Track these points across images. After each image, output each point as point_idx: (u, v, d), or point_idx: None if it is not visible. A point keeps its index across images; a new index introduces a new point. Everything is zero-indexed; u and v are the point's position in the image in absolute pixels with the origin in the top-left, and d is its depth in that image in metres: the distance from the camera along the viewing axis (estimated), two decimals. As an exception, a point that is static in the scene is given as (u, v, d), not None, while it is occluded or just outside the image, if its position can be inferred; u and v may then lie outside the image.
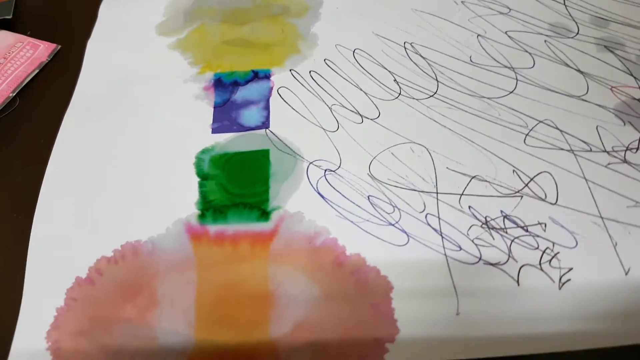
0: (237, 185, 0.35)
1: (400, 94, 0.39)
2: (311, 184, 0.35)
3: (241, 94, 0.40)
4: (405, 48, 0.42)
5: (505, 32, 0.42)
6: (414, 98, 0.39)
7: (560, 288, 0.30)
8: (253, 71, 0.41)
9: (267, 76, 0.41)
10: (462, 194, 0.34)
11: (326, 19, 0.45)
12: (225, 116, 0.39)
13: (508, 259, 0.31)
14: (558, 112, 0.37)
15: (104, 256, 0.33)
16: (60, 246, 0.34)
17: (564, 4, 0.43)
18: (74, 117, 0.40)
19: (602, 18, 0.42)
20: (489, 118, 0.37)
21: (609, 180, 0.34)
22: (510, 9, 0.43)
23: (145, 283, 0.32)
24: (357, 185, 0.35)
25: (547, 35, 0.41)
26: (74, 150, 0.38)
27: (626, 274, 0.30)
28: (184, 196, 0.35)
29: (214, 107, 0.40)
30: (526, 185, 0.34)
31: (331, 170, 0.36)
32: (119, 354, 0.30)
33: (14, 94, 0.42)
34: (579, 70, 0.39)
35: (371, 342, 0.29)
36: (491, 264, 0.31)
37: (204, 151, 0.37)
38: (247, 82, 0.41)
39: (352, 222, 0.33)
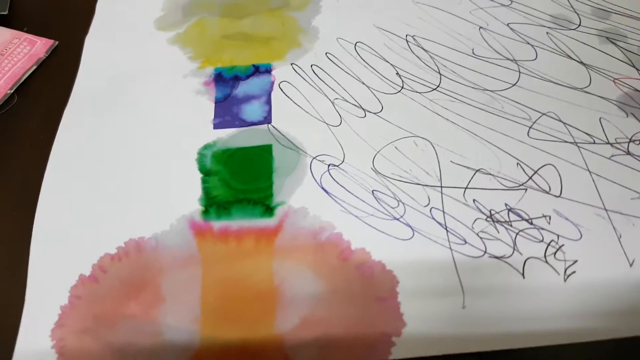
0: (241, 180, 0.35)
1: (402, 87, 0.39)
2: (315, 179, 0.35)
3: (242, 88, 0.40)
4: (407, 41, 0.41)
5: (507, 25, 0.42)
6: (416, 91, 0.39)
7: (565, 280, 0.30)
8: (254, 65, 0.41)
9: (268, 70, 0.41)
10: (466, 188, 0.34)
11: (327, 12, 0.44)
12: (226, 111, 0.39)
13: (513, 252, 0.31)
14: (561, 105, 0.37)
15: (107, 253, 0.33)
16: (63, 244, 0.33)
17: (565, -5, 0.43)
18: (73, 113, 0.40)
19: (603, 10, 0.42)
20: (492, 111, 0.37)
21: (612, 172, 0.34)
22: (512, 1, 0.43)
23: (149, 280, 0.31)
24: (361, 179, 0.35)
25: (549, 27, 0.41)
26: (74, 147, 0.38)
27: (631, 265, 0.30)
28: (187, 192, 0.35)
29: (215, 103, 0.39)
30: (530, 178, 0.34)
31: (335, 165, 0.35)
32: (124, 351, 0.30)
33: (12, 91, 0.41)
34: (581, 62, 0.39)
35: (378, 336, 0.29)
36: (496, 257, 0.31)
37: (206, 147, 0.37)
38: (248, 76, 0.41)
39: (356, 216, 0.33)
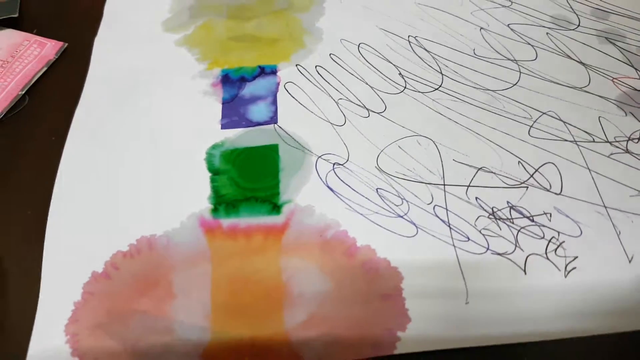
0: (248, 179, 0.36)
1: (405, 87, 0.40)
2: (320, 178, 0.36)
3: (249, 89, 0.41)
4: (409, 42, 0.42)
5: (508, 25, 0.43)
6: (419, 91, 0.39)
7: (565, 276, 0.31)
8: (260, 67, 0.42)
9: (273, 71, 0.42)
10: (469, 186, 0.35)
11: (330, 14, 0.45)
12: (233, 112, 0.40)
13: (515, 249, 0.32)
14: (561, 104, 0.38)
15: (119, 251, 0.33)
16: (76, 242, 0.34)
17: (565, -4, 0.44)
18: (84, 114, 0.40)
19: (602, 10, 0.43)
20: (493, 110, 0.38)
21: (611, 170, 0.35)
22: (512, 2, 0.44)
23: (161, 276, 0.32)
24: (366, 178, 0.36)
25: (549, 28, 0.42)
26: (85, 147, 0.39)
27: (630, 261, 0.31)
28: (197, 191, 0.36)
29: (222, 103, 0.40)
30: (531, 176, 0.35)
31: (339, 164, 0.36)
32: (136, 347, 0.30)
33: (23, 92, 0.42)
34: (580, 62, 0.40)
35: (383, 332, 0.30)
36: (499, 254, 0.32)
37: (214, 147, 0.38)
38: (254, 77, 0.41)
39: (361, 214, 0.34)
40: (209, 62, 0.43)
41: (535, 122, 0.37)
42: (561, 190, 0.34)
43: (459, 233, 0.33)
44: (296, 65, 0.42)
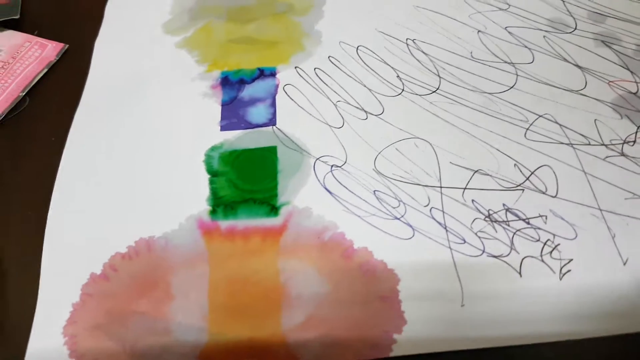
0: (247, 181, 0.36)
1: (403, 90, 0.40)
2: (318, 180, 0.36)
3: (248, 91, 0.41)
4: (407, 44, 0.43)
5: (505, 28, 0.43)
6: (416, 94, 0.40)
7: (560, 279, 0.31)
8: (259, 69, 0.42)
9: (272, 74, 0.42)
10: (465, 188, 0.35)
11: (329, 17, 0.45)
12: (232, 114, 0.40)
13: (510, 251, 0.32)
14: (557, 107, 0.38)
15: (118, 252, 0.34)
16: (75, 243, 0.35)
17: (562, -1, 0.44)
18: (84, 116, 0.41)
19: (598, 13, 0.43)
20: (490, 113, 0.38)
21: (607, 173, 0.35)
22: (509, 5, 0.44)
23: (160, 278, 0.33)
24: (363, 180, 0.36)
25: (545, 31, 0.42)
26: (85, 149, 0.39)
27: (624, 264, 0.31)
28: (195, 193, 0.36)
29: (222, 105, 0.40)
30: (527, 178, 0.35)
31: (337, 166, 0.37)
32: (134, 348, 0.31)
33: (24, 94, 0.43)
34: (577, 65, 0.40)
35: (379, 334, 0.30)
36: (494, 256, 0.32)
37: (213, 148, 0.38)
38: (253, 79, 0.42)
39: (359, 216, 0.34)
40: (209, 64, 0.43)
41: (531, 124, 0.37)
42: (557, 193, 0.34)
43: (455, 235, 0.33)
44: (295, 67, 0.42)
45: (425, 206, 0.34)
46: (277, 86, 0.41)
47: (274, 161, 0.37)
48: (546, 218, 0.33)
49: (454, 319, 0.30)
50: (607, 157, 0.35)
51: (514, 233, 0.33)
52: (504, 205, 0.34)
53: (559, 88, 0.39)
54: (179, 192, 0.36)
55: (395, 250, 0.33)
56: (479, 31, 0.43)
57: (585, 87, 0.39)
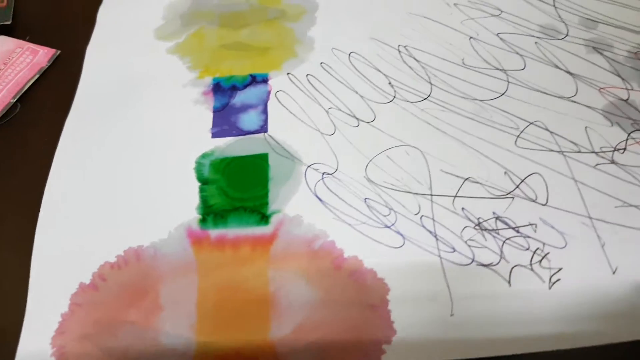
0: (237, 189, 0.36)
1: (395, 97, 0.40)
2: (309, 188, 0.36)
3: (240, 98, 0.41)
4: (399, 51, 0.43)
5: (497, 35, 0.43)
6: (408, 101, 0.40)
7: (550, 288, 0.31)
8: (251, 75, 0.42)
9: (264, 80, 0.42)
10: (455, 196, 0.35)
11: (322, 23, 0.45)
12: (224, 121, 0.40)
13: (500, 260, 0.32)
14: (548, 114, 0.38)
15: (107, 262, 0.34)
16: (64, 252, 0.35)
17: (554, 5, 0.44)
18: (75, 122, 0.41)
19: (590, 19, 0.43)
20: (481, 120, 0.38)
21: (597, 181, 0.35)
22: (501, 11, 0.44)
23: (149, 287, 0.33)
24: (354, 188, 0.36)
25: (537, 37, 0.42)
26: (75, 157, 0.39)
27: (613, 273, 0.31)
28: (185, 201, 0.36)
29: (213, 112, 0.40)
30: (517, 186, 0.35)
31: (328, 174, 0.37)
32: (123, 358, 0.31)
33: (15, 100, 0.43)
34: (568, 72, 0.40)
35: (369, 344, 0.30)
36: (484, 265, 0.32)
37: (204, 156, 0.38)
38: (245, 86, 0.42)
39: (349, 224, 0.34)
40: (201, 70, 0.43)
41: (522, 132, 0.37)
42: (547, 201, 0.34)
43: (445, 244, 0.33)
44: (287, 74, 0.42)
45: (415, 214, 0.34)
46: (269, 93, 0.41)
47: (265, 169, 0.37)
48: (536, 226, 0.33)
49: (444, 328, 0.30)
50: (597, 164, 0.35)
51: (504, 241, 0.33)
52: (494, 213, 0.34)
53: (550, 95, 0.39)
54: (169, 200, 0.36)
55: (386, 259, 0.33)
56: (471, 37, 0.43)
57: (576, 94, 0.39)
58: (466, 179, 0.35)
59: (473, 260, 0.32)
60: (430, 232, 0.34)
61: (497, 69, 0.41)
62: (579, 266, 0.32)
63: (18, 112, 0.42)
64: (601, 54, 0.41)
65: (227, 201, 0.36)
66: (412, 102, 0.39)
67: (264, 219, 0.35)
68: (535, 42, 0.42)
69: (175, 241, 0.34)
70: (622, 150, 0.36)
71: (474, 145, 0.37)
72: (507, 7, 0.44)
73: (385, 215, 0.35)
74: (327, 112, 0.40)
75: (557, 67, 0.40)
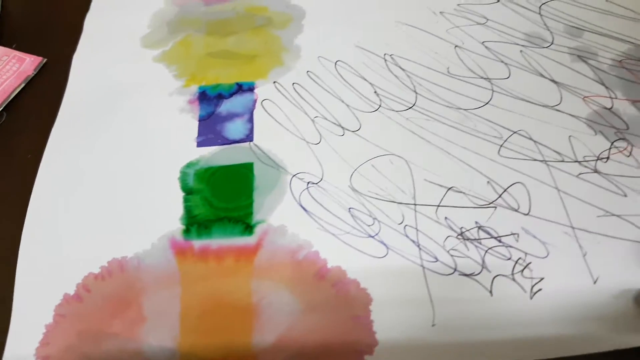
0: (222, 199, 0.36)
1: (380, 105, 0.40)
2: (294, 197, 0.36)
3: (225, 106, 0.41)
4: (385, 60, 0.43)
5: (482, 43, 0.43)
6: (393, 110, 0.40)
7: (531, 298, 0.31)
8: (237, 84, 0.42)
9: (251, 89, 0.42)
10: (438, 206, 0.35)
11: (309, 31, 0.45)
12: (210, 129, 0.40)
13: (482, 270, 0.32)
14: (532, 123, 0.38)
15: (91, 273, 0.34)
16: (48, 263, 0.35)
17: (539, 13, 0.44)
18: (60, 131, 0.41)
19: (576, 27, 0.43)
20: (465, 129, 0.38)
21: (580, 190, 0.35)
22: (487, 19, 0.44)
23: (132, 299, 0.33)
24: (339, 197, 0.36)
25: (522, 45, 0.43)
26: (61, 166, 0.39)
27: (594, 282, 0.32)
28: (169, 211, 0.36)
29: (199, 121, 0.40)
30: (500, 196, 0.35)
31: (313, 183, 0.37)
32: (107, 368, 0.31)
33: (1, 109, 0.42)
34: (553, 80, 0.40)
35: (351, 354, 0.30)
36: (466, 275, 0.32)
37: (189, 165, 0.38)
38: (231, 94, 0.42)
39: (333, 234, 0.34)
40: (187, 78, 0.43)
41: (505, 141, 0.37)
42: (529, 211, 0.34)
43: (427, 254, 0.33)
44: (274, 82, 0.42)
45: (399, 224, 0.35)
46: (255, 101, 0.41)
47: (250, 178, 0.37)
48: (518, 236, 0.33)
49: (426, 339, 0.31)
50: (580, 174, 0.36)
51: (486, 251, 0.33)
52: (476, 222, 0.34)
53: (535, 104, 0.39)
54: (153, 210, 0.36)
55: (369, 269, 0.33)
56: (456, 46, 0.43)
57: (560, 103, 0.39)
58: (449, 189, 0.36)
59: (455, 270, 0.33)
60: (414, 241, 0.34)
61: (482, 77, 0.41)
62: (560, 276, 0.32)
63: (4, 121, 0.42)
64: (586, 62, 0.41)
65: (211, 211, 0.36)
66: (397, 111, 0.40)
67: (248, 229, 0.35)
68: (521, 51, 0.42)
69: (159, 252, 0.34)
70: (605, 160, 0.36)
71: (458, 154, 0.37)
72: (493, 15, 0.45)
73: (369, 225, 0.35)
74: (313, 120, 0.40)
75: (541, 75, 0.41)
